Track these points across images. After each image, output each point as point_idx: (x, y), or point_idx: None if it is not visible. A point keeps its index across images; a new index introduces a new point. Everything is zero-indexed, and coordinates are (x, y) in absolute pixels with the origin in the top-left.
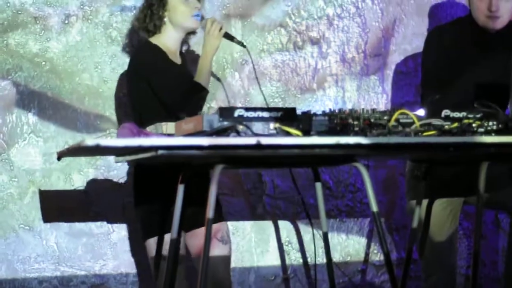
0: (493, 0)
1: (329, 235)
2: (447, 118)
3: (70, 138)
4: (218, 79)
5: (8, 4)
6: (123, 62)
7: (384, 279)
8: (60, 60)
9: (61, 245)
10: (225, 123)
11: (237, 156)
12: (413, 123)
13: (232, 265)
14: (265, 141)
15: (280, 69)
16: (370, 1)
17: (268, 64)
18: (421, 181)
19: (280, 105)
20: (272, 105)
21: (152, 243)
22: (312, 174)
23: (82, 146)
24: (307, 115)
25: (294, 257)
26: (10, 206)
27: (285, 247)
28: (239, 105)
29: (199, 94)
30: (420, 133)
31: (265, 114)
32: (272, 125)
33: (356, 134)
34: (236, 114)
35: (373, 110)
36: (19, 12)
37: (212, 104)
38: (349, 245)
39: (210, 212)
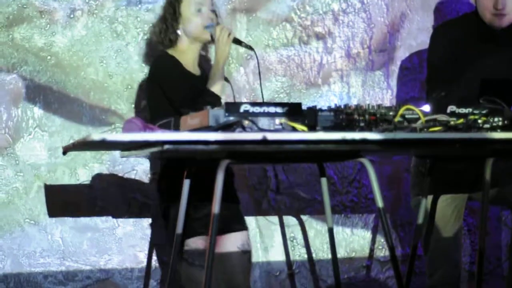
0: None
1: (334, 231)
2: (452, 114)
3: (75, 133)
4: (226, 79)
5: None
6: (128, 56)
7: (389, 275)
8: (65, 55)
9: (66, 240)
10: (231, 118)
11: (243, 152)
12: (418, 118)
13: None
14: (270, 136)
15: (285, 64)
16: None
17: (274, 59)
18: (426, 177)
19: (285, 100)
20: (277, 100)
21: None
22: (316, 170)
23: (88, 140)
24: (313, 111)
25: (299, 253)
26: (15, 201)
27: (290, 243)
28: (245, 100)
29: (212, 101)
30: (425, 129)
31: (271, 110)
32: (277, 121)
33: (361, 129)
34: (241, 109)
35: (379, 106)
36: (25, 6)
37: None
38: (354, 241)
39: (215, 207)
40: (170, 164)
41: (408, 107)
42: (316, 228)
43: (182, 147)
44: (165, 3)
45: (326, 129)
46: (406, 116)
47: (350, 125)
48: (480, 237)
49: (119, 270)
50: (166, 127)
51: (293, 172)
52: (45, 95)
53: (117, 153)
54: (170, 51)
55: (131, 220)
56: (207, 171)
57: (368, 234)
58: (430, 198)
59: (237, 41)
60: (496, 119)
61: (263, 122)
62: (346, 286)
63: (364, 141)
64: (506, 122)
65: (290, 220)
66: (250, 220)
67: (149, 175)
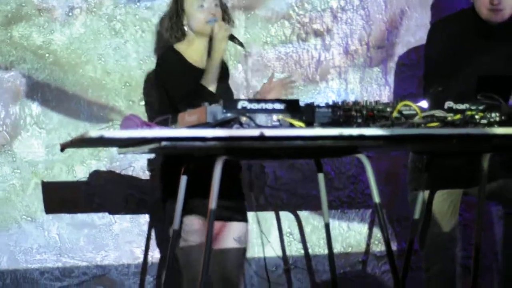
0: None
1: (330, 226)
2: (450, 109)
3: (73, 130)
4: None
5: None
6: (126, 54)
7: (385, 269)
8: (63, 52)
9: (63, 236)
10: (229, 114)
11: (240, 148)
12: (416, 114)
13: None
14: (268, 132)
15: (284, 61)
16: None
17: (272, 56)
18: (423, 173)
19: (282, 97)
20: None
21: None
22: (313, 166)
23: (86, 137)
24: (310, 107)
25: (295, 248)
26: (12, 198)
27: (286, 238)
28: (242, 97)
29: (205, 97)
30: (423, 125)
31: (269, 106)
32: (275, 117)
33: (359, 125)
34: (239, 105)
35: (376, 102)
36: (23, 4)
37: None
38: (350, 236)
39: (212, 203)
40: (169, 160)
41: (405, 103)
42: (313, 224)
43: (180, 143)
44: (171, 0)
45: (323, 125)
46: (404, 112)
47: (347, 121)
48: (476, 233)
49: (116, 266)
50: (164, 124)
51: (291, 168)
52: (43, 93)
53: (114, 150)
54: (178, 46)
55: (128, 216)
56: (205, 167)
57: (364, 229)
58: (426, 193)
59: (231, 37)
60: (493, 115)
61: (260, 118)
62: (343, 281)
63: (361, 137)
64: (503, 117)
65: (287, 215)
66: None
67: (146, 172)
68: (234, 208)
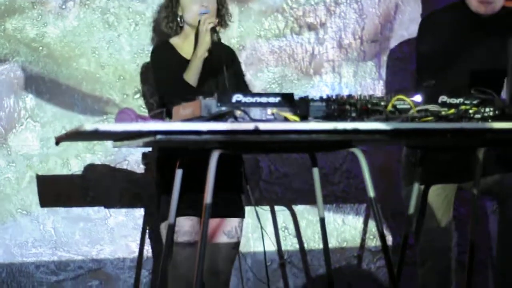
0: None
1: (325, 221)
2: (444, 104)
3: (68, 123)
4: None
5: None
6: (120, 47)
7: (380, 264)
8: (57, 45)
9: (58, 230)
10: (223, 108)
11: (235, 141)
12: (410, 109)
13: None
14: (263, 126)
15: (277, 55)
16: None
17: (265, 50)
18: (416, 167)
19: (276, 90)
20: (269, 90)
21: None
22: (308, 160)
23: (80, 130)
24: (305, 101)
25: (290, 243)
26: (7, 191)
27: (281, 233)
28: None
29: (186, 90)
30: (417, 119)
31: (263, 100)
32: (269, 111)
33: (353, 119)
34: (234, 99)
35: (370, 96)
36: None
37: None
38: (346, 231)
39: (208, 198)
40: (164, 155)
41: (399, 97)
42: (308, 218)
43: (175, 137)
44: None
45: (318, 119)
46: (398, 106)
47: (341, 115)
48: (471, 226)
49: (111, 260)
50: (158, 117)
51: (285, 162)
52: (37, 86)
53: (109, 143)
54: (174, 39)
55: (123, 210)
56: (200, 162)
57: (359, 224)
58: (421, 188)
59: (212, 30)
60: (487, 109)
61: (255, 112)
62: (338, 276)
63: (355, 131)
64: (497, 112)
65: (282, 210)
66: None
67: (141, 166)
68: (229, 203)
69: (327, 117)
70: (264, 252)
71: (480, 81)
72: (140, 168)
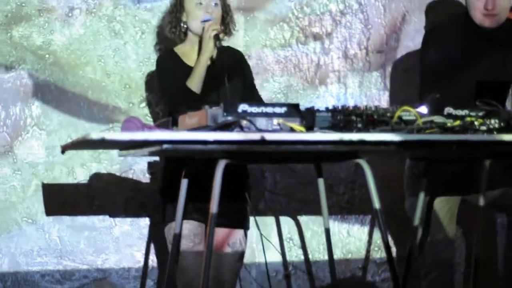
0: None
1: (330, 232)
2: (449, 115)
3: (73, 132)
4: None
5: None
6: (126, 55)
7: (385, 276)
8: (63, 53)
9: (64, 239)
10: (229, 118)
11: (241, 152)
12: (415, 120)
13: None
14: (269, 136)
15: (283, 65)
16: None
17: (271, 59)
18: (422, 179)
19: (282, 100)
20: (274, 100)
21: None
22: (312, 171)
23: (87, 139)
24: (311, 111)
25: (295, 254)
26: (13, 199)
27: (286, 244)
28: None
29: (190, 97)
30: (422, 131)
31: (269, 110)
32: (275, 121)
33: (359, 130)
34: (240, 109)
35: (376, 107)
36: (23, 4)
37: None
38: (350, 242)
39: (213, 207)
40: (170, 164)
41: (405, 108)
42: (313, 229)
43: (181, 146)
44: None
45: (323, 129)
46: (403, 118)
47: (347, 126)
48: (476, 239)
49: (116, 269)
50: (164, 126)
51: (290, 172)
52: (43, 94)
53: (114, 152)
54: (178, 47)
55: (128, 219)
56: (204, 171)
57: (364, 235)
58: (425, 200)
59: (216, 37)
60: (492, 121)
61: (261, 122)
62: (343, 287)
63: (361, 142)
64: (502, 124)
65: (286, 220)
66: None
67: (146, 175)
68: (234, 214)
69: (333, 128)
70: (266, 263)
71: (485, 93)
72: (145, 177)
